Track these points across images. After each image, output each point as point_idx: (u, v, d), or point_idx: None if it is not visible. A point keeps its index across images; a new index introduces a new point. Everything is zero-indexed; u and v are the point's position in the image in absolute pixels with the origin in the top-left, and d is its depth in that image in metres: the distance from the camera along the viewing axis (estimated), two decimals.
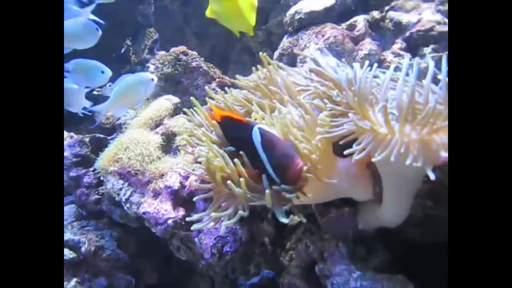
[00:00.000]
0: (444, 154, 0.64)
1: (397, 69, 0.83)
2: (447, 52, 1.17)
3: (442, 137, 0.66)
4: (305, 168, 0.74)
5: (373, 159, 0.69)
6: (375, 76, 0.82)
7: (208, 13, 1.23)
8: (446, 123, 0.65)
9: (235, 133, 0.85)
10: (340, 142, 0.75)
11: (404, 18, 1.31)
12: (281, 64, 1.03)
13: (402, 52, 1.24)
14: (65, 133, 1.38)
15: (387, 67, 0.84)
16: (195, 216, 0.87)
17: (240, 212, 0.78)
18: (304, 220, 0.81)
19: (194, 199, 0.99)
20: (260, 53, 1.04)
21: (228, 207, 0.83)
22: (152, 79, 1.26)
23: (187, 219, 0.91)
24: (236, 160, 0.79)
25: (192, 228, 0.88)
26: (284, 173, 0.75)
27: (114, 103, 1.26)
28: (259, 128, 0.80)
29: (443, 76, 0.70)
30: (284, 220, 0.75)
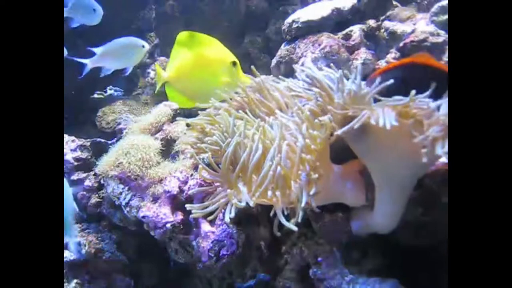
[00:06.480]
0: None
1: None
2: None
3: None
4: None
5: (372, 121, 0.67)
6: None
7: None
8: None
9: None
10: (339, 130, 0.75)
11: (399, 28, 1.34)
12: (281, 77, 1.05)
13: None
14: (67, 137, 1.40)
15: None
16: (196, 206, 0.87)
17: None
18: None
19: (192, 191, 1.00)
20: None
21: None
22: (143, 46, 1.26)
23: (187, 206, 0.91)
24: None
25: (192, 215, 0.88)
26: None
27: (101, 58, 1.27)
28: None
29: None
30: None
